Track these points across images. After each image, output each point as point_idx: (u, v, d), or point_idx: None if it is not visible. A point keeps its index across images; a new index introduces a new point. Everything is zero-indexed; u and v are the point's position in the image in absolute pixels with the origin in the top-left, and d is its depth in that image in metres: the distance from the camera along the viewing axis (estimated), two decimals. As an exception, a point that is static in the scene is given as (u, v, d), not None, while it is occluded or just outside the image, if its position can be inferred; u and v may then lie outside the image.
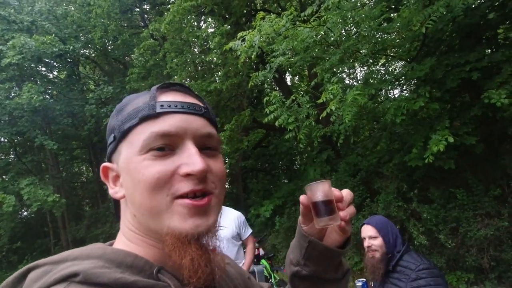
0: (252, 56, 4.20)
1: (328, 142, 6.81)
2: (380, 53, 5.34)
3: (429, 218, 4.28)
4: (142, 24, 10.71)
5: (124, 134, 0.49)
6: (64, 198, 8.52)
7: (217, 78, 7.06)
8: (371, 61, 7.26)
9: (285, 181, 9.78)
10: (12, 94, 9.32)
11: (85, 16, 9.11)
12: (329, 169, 6.28)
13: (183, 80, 7.59)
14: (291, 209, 6.29)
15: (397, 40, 5.83)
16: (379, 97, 5.12)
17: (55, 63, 11.18)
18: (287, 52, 4.38)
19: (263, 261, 4.29)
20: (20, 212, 11.58)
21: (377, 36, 4.78)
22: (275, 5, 8.42)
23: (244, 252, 2.80)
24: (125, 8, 8.77)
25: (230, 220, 2.67)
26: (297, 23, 4.18)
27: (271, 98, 4.38)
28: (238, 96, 7.88)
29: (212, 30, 7.36)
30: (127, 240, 0.50)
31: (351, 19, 4.17)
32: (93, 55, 11.79)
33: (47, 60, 10.51)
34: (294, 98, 4.24)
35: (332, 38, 4.39)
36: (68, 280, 0.41)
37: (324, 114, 3.70)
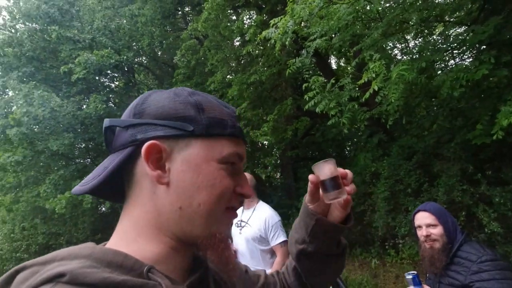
0: (287, 43, 4.08)
1: (379, 125, 6.35)
2: (433, 21, 4.75)
3: (502, 202, 3.74)
4: (185, 26, 11.17)
5: (206, 135, 0.51)
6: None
7: (257, 69, 7.05)
8: (426, 31, 6.51)
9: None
10: (83, 106, 10.57)
11: (134, 26, 9.83)
12: (381, 154, 5.86)
13: (226, 76, 7.76)
14: (341, 197, 6.05)
15: (454, 2, 5.10)
16: (434, 70, 4.55)
17: (114, 74, 12.36)
18: (324, 34, 4.15)
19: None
20: (99, 208, 13.24)
21: (427, 1, 4.25)
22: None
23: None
24: (167, 13, 9.22)
25: (259, 219, 2.40)
26: (332, 1, 3.93)
27: (310, 84, 4.22)
28: (280, 86, 7.78)
29: (249, 21, 7.35)
30: (136, 235, 0.49)
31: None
32: (145, 61, 12.72)
33: (107, 72, 11.68)
34: (333, 81, 4.03)
35: (372, 12, 4.03)
36: (54, 281, 0.40)
37: (367, 95, 3.44)
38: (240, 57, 7.89)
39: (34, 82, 9.59)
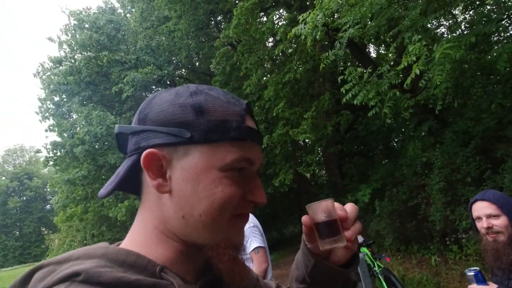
0: (318, 37, 3.99)
1: (427, 112, 5.87)
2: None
3: None
4: (218, 35, 11.57)
5: (205, 141, 0.47)
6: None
7: (292, 67, 7.00)
8: (478, 2, 5.86)
9: (384, 161, 8.94)
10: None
11: (172, 41, 10.45)
12: (433, 142, 5.41)
13: (262, 78, 7.83)
14: (392, 191, 5.71)
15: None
16: (488, 44, 4.08)
17: (158, 88, 13.26)
18: (357, 22, 3.98)
19: (364, 249, 4.05)
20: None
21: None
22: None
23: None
24: (201, 25, 9.63)
25: None
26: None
27: (346, 76, 4.07)
28: (316, 82, 7.63)
29: (279, 21, 7.34)
30: (146, 238, 0.50)
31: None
32: (184, 73, 13.43)
33: (151, 87, 12.57)
34: (371, 70, 3.83)
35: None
36: (69, 280, 0.41)
37: (408, 81, 3.21)
38: (274, 57, 7.91)
39: (92, 104, 10.72)
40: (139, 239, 0.50)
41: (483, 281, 1.65)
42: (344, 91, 4.01)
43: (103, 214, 10.76)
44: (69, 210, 11.62)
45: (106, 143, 9.97)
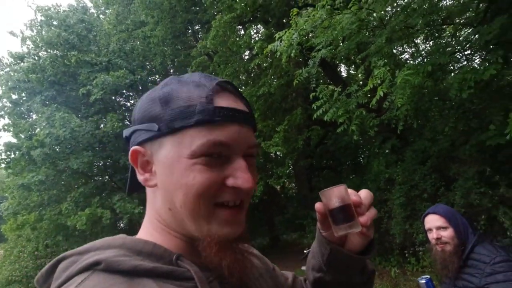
0: (292, 55, 4.18)
1: (390, 131, 6.29)
2: (439, 24, 4.75)
3: (524, 204, 3.61)
4: (195, 44, 11.59)
5: (173, 131, 0.47)
6: (148, 209, 9.64)
7: (266, 81, 7.19)
8: (436, 34, 6.48)
9: (351, 176, 9.33)
10: (101, 125, 11.03)
11: (147, 47, 10.29)
12: (395, 159, 5.78)
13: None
14: (357, 205, 5.96)
15: (461, 4, 5.09)
16: (442, 73, 4.52)
17: (129, 93, 12.87)
18: (329, 44, 4.23)
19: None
20: (117, 224, 13.52)
21: (433, 5, 4.27)
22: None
23: None
24: (178, 33, 9.61)
25: None
26: (335, 11, 4.02)
27: (318, 93, 4.28)
28: (290, 96, 7.88)
29: (256, 36, 7.54)
30: (152, 229, 0.52)
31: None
32: (158, 79, 13.19)
33: (122, 91, 12.17)
34: (340, 89, 4.07)
35: (375, 19, 4.09)
36: (91, 269, 0.43)
37: (373, 101, 3.46)
38: (249, 70, 8.07)
39: (55, 105, 10.12)
40: (146, 232, 0.52)
41: (433, 288, 1.80)
42: (315, 107, 4.20)
43: (60, 222, 10.03)
44: (21, 217, 10.68)
45: (69, 147, 9.42)
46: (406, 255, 5.11)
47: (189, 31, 11.43)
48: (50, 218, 9.90)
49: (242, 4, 6.32)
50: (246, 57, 8.93)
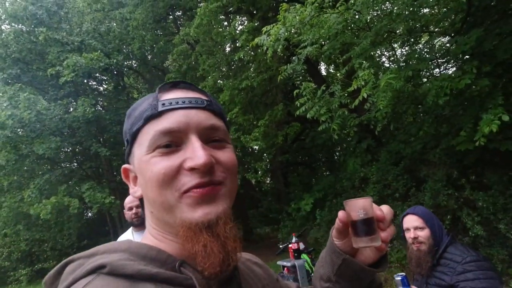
0: (279, 50, 4.16)
1: (367, 131, 6.51)
2: (418, 31, 4.94)
3: (485, 206, 3.89)
4: (176, 31, 11.20)
5: (134, 137, 0.52)
6: (119, 199, 9.33)
7: (249, 75, 7.13)
8: (412, 40, 6.75)
9: (326, 173, 9.58)
10: (71, 109, 10.41)
11: (125, 30, 9.79)
12: (370, 159, 6.00)
13: (217, 81, 7.81)
14: (331, 202, 6.14)
15: (439, 14, 5.33)
16: (420, 78, 4.73)
17: (103, 77, 12.22)
18: (315, 42, 4.26)
19: (304, 256, 4.27)
20: (85, 214, 12.94)
21: (414, 12, 4.42)
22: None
23: None
24: (159, 18, 9.23)
25: None
26: (323, 10, 4.04)
27: (301, 90, 4.30)
28: (271, 91, 7.88)
29: (240, 28, 7.42)
30: (151, 237, 0.53)
31: (381, -2, 3.90)
32: (135, 65, 12.65)
33: (96, 75, 11.54)
34: (324, 88, 4.12)
35: (361, 21, 4.16)
36: (96, 272, 0.44)
37: (356, 102, 3.54)
38: (232, 62, 7.95)
39: (19, 85, 9.37)
40: (148, 239, 0.53)
41: (408, 285, 1.89)
42: (298, 104, 4.22)
43: (21, 210, 9.41)
44: (-23, 204, 9.90)
45: (34, 131, 8.80)
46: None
47: (170, 17, 11.03)
48: (10, 206, 9.27)
49: (229, -6, 6.18)
50: (228, 49, 8.79)
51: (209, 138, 0.50)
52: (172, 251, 0.50)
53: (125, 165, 0.55)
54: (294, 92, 4.47)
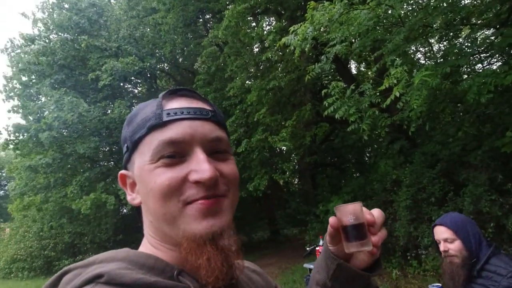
0: (306, 49, 4.09)
1: (400, 131, 6.19)
2: (458, 24, 4.61)
3: (535, 214, 3.54)
4: (206, 33, 11.47)
5: (135, 145, 0.51)
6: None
7: (276, 75, 7.10)
8: (451, 34, 6.32)
9: (356, 175, 9.27)
10: (108, 111, 11.05)
11: (157, 34, 10.20)
12: (403, 161, 5.70)
13: (246, 81, 7.88)
14: (361, 205, 5.92)
15: (482, 4, 4.93)
16: (460, 75, 4.41)
17: (137, 80, 12.83)
18: (344, 40, 4.14)
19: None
20: (120, 210, 13.67)
21: (453, 4, 4.13)
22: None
23: None
24: (189, 21, 9.50)
25: None
26: (353, 6, 3.91)
27: (330, 90, 4.20)
28: (299, 91, 7.79)
29: (268, 28, 7.42)
30: (149, 245, 0.53)
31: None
32: (166, 68, 13.13)
33: (131, 78, 12.14)
34: (353, 87, 3.99)
35: (394, 16, 3.97)
36: (94, 281, 0.43)
37: (388, 101, 3.38)
38: (259, 63, 7.98)
39: (64, 89, 10.14)
40: (146, 248, 0.53)
41: (443, 297, 1.76)
42: (326, 104, 4.12)
43: (65, 205, 10.16)
44: (27, 198, 10.84)
45: (76, 131, 9.47)
46: (409, 257, 5.08)
47: (200, 20, 11.31)
48: (56, 200, 10.04)
49: (256, -5, 6.20)
50: (257, 49, 8.83)
51: (213, 149, 0.50)
52: (170, 259, 0.49)
53: (123, 171, 0.54)
54: (322, 92, 4.37)
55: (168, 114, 0.49)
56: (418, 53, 9.61)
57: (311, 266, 4.15)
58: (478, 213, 3.93)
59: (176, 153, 0.47)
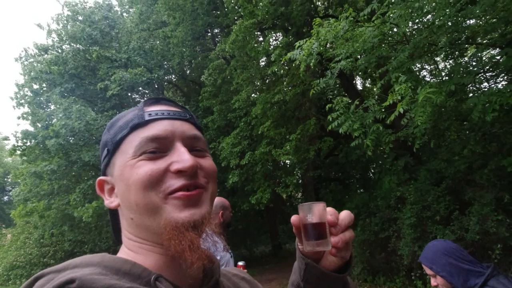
0: (311, 64, 4.15)
1: (405, 148, 6.15)
2: (463, 43, 4.64)
3: (544, 236, 3.44)
4: (214, 47, 11.70)
5: (117, 145, 0.52)
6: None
7: (282, 89, 7.17)
8: (457, 53, 6.36)
9: (360, 191, 9.17)
10: (116, 120, 11.16)
11: (166, 47, 10.44)
12: (407, 177, 5.64)
13: (251, 94, 7.96)
14: (365, 221, 5.83)
15: (487, 24, 4.97)
16: (465, 93, 4.40)
17: (145, 90, 13.05)
18: (349, 56, 4.19)
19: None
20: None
21: (457, 23, 4.18)
22: (340, 8, 8.18)
23: None
24: (197, 35, 9.73)
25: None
26: (358, 23, 3.98)
27: (334, 105, 4.23)
28: (304, 105, 7.83)
29: (275, 43, 7.55)
30: (128, 250, 0.52)
31: (419, 10, 3.75)
32: (174, 79, 13.36)
33: (139, 88, 12.35)
34: (357, 102, 4.00)
35: (399, 34, 4.02)
36: (64, 287, 0.42)
37: (392, 117, 3.38)
38: (265, 76, 8.08)
39: (73, 97, 10.35)
40: (124, 253, 0.52)
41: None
42: (330, 119, 4.14)
43: (67, 213, 10.17)
44: (30, 204, 10.88)
45: (82, 139, 9.58)
46: (413, 277, 4.94)
47: (209, 34, 11.57)
48: (58, 207, 10.06)
49: (264, 11, 6.35)
50: (263, 63, 8.96)
51: (192, 147, 0.53)
52: (149, 263, 0.49)
53: (101, 177, 0.55)
54: (327, 107, 4.39)
55: (150, 114, 0.52)
56: (424, 70, 9.66)
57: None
58: (485, 233, 3.84)
59: (157, 149, 0.50)
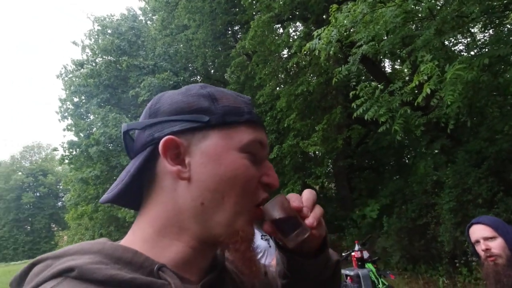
0: (331, 52, 4.07)
1: (440, 130, 5.82)
2: (499, 11, 4.27)
3: None
4: (235, 44, 11.82)
5: (224, 125, 0.48)
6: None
7: (305, 79, 7.09)
8: (496, 21, 5.84)
9: (395, 177, 8.83)
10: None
11: (189, 49, 10.76)
12: (445, 161, 5.34)
13: (275, 88, 7.97)
14: (401, 208, 5.63)
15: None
16: (505, 65, 4.05)
17: (173, 94, 13.57)
18: (372, 39, 4.05)
19: (369, 265, 4.01)
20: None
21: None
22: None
23: None
24: (218, 34, 9.89)
25: None
26: (378, 5, 3.83)
27: (358, 91, 4.12)
28: (329, 95, 7.69)
29: (296, 34, 7.46)
30: (149, 235, 0.48)
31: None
32: (199, 80, 13.73)
33: (167, 92, 12.87)
34: (382, 86, 3.87)
35: (423, 10, 3.81)
36: (63, 275, 0.40)
37: (419, 99, 3.23)
38: (288, 69, 8.03)
39: (109, 107, 11.06)
40: (145, 235, 0.48)
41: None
42: (355, 106, 4.05)
43: (112, 214, 10.98)
44: (80, 208, 11.90)
45: (119, 145, 10.25)
46: (457, 264, 4.71)
47: (229, 32, 11.70)
48: (104, 210, 10.88)
49: (281, 3, 6.30)
50: (285, 56, 8.90)
51: None
52: (177, 253, 0.47)
53: (173, 137, 0.47)
54: (350, 94, 4.30)
55: (258, 118, 0.53)
56: (460, 44, 8.98)
57: (347, 272, 4.04)
58: (534, 215, 3.56)
59: (257, 153, 0.50)
